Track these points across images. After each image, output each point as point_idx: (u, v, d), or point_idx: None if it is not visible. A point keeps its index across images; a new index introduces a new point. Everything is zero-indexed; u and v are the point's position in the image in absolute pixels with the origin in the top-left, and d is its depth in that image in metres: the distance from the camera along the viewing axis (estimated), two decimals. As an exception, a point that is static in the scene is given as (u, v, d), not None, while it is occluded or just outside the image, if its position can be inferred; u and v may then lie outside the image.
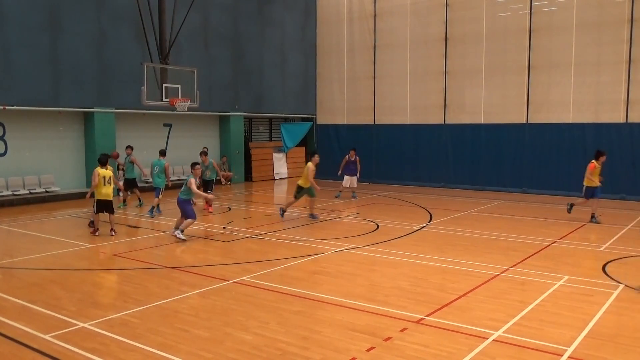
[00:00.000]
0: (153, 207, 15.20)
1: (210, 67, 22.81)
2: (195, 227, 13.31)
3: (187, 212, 11.92)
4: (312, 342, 6.21)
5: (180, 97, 17.60)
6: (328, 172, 24.96)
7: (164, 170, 15.35)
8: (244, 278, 8.83)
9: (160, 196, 15.25)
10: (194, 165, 12.39)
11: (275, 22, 26.30)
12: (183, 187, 11.99)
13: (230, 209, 16.79)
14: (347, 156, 18.97)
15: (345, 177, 18.86)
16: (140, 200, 16.73)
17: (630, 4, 18.03)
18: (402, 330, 6.54)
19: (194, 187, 11.78)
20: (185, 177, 22.48)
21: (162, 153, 15.86)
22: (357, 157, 19.03)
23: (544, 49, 19.64)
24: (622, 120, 18.41)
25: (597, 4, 18.61)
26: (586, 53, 18.83)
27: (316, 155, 14.99)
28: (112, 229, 12.48)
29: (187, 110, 18.49)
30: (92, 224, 12.84)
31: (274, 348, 6.04)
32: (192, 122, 23.44)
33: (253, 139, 26.85)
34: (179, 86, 17.71)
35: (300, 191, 14.46)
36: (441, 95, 22.06)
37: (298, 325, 6.73)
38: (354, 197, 18.85)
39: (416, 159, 22.78)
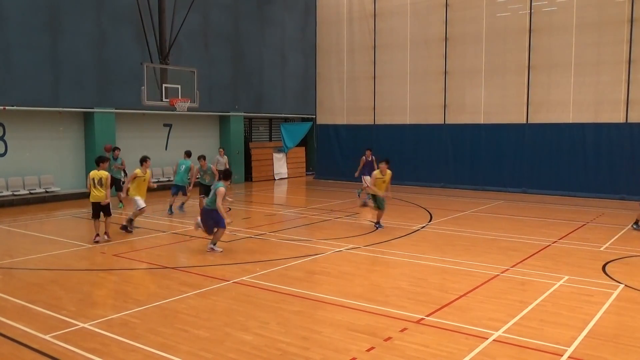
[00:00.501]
0: (171, 205, 15.60)
1: (210, 67, 22.82)
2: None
3: (217, 221, 10.69)
4: (312, 342, 6.21)
5: (180, 97, 17.63)
6: (328, 171, 25.02)
7: (189, 170, 15.59)
8: (244, 278, 8.83)
9: (185, 195, 15.71)
10: (229, 175, 11.17)
11: (275, 22, 26.32)
12: (211, 196, 10.74)
13: (230, 209, 16.78)
14: (363, 157, 18.13)
15: (365, 177, 17.72)
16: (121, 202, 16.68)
17: (630, 4, 18.03)
18: (402, 331, 6.54)
19: (219, 200, 10.45)
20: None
21: (188, 154, 16.13)
22: (374, 157, 18.49)
23: (544, 49, 19.64)
24: (622, 120, 18.41)
25: (597, 4, 18.60)
26: (586, 53, 18.82)
27: (382, 163, 13.55)
28: (106, 232, 11.81)
29: (187, 111, 18.53)
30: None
31: (274, 348, 6.04)
32: (192, 122, 23.45)
33: (253, 139, 26.86)
34: (179, 86, 17.74)
35: (376, 200, 13.39)
36: (441, 95, 22.05)
37: (298, 326, 6.74)
38: (368, 198, 18.39)
39: (416, 159, 22.77)
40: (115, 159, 16.93)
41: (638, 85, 18.06)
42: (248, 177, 25.34)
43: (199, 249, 11.13)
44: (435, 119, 22.30)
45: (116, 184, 16.48)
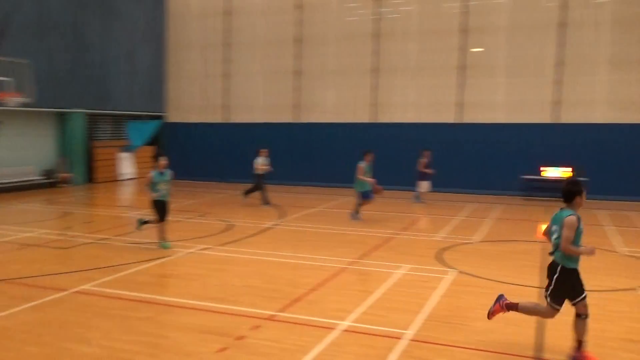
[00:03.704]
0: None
1: (47, 60, 20.84)
2: (28, 234, 12.15)
3: None
4: (161, 349, 5.96)
5: (11, 92, 15.99)
6: (180, 171, 24.19)
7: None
8: (84, 287, 8.19)
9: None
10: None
11: (122, 14, 24.85)
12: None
13: (68, 213, 15.54)
14: (424, 159, 17.41)
15: (424, 182, 17.45)
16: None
17: (461, 15, 19.93)
18: (254, 328, 6.53)
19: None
20: (16, 181, 20.48)
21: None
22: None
23: (389, 53, 21.01)
24: (453, 120, 20.31)
25: (435, 15, 20.44)
26: (424, 58, 20.54)
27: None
28: None
29: (20, 106, 16.80)
30: None
31: (118, 358, 5.69)
32: (26, 119, 21.29)
33: (96, 138, 25.12)
34: (11, 79, 16.08)
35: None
36: (293, 94, 22.52)
37: (145, 332, 6.42)
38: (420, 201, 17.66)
39: (270, 156, 22.84)
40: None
41: (470, 88, 20.00)
42: (90, 178, 23.65)
43: (34, 258, 10.13)
44: (287, 117, 22.71)
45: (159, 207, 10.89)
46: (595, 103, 18.73)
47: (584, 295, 5.57)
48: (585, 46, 18.65)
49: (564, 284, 5.56)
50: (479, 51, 20.07)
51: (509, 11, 19.64)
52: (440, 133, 20.28)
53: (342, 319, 6.84)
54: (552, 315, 5.78)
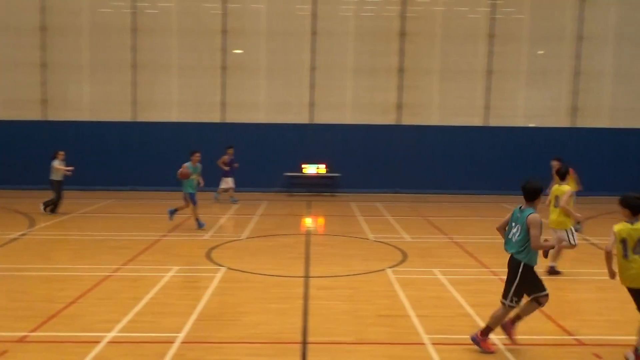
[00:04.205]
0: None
1: None
2: None
3: None
4: None
5: None
6: None
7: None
8: None
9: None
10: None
11: None
12: None
13: None
14: (226, 156, 17.70)
15: (228, 179, 17.77)
16: None
17: (222, 16, 20.16)
18: (0, 355, 5.68)
19: None
20: None
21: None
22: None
23: (148, 49, 20.18)
24: (218, 120, 20.44)
25: (195, 14, 20.20)
26: (186, 57, 20.23)
27: None
28: None
29: None
30: None
31: None
32: None
33: None
34: None
35: None
36: (40, 89, 20.20)
37: None
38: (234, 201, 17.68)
39: (15, 158, 20.16)
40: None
41: (230, 89, 20.37)
42: None
43: None
44: (34, 115, 20.27)
45: None
46: (345, 106, 20.72)
47: (545, 292, 5.89)
48: (334, 54, 20.50)
49: (527, 280, 5.82)
50: (239, 53, 20.59)
51: (266, 17, 20.52)
52: (205, 132, 20.18)
53: (108, 330, 6.37)
54: (508, 313, 5.94)
